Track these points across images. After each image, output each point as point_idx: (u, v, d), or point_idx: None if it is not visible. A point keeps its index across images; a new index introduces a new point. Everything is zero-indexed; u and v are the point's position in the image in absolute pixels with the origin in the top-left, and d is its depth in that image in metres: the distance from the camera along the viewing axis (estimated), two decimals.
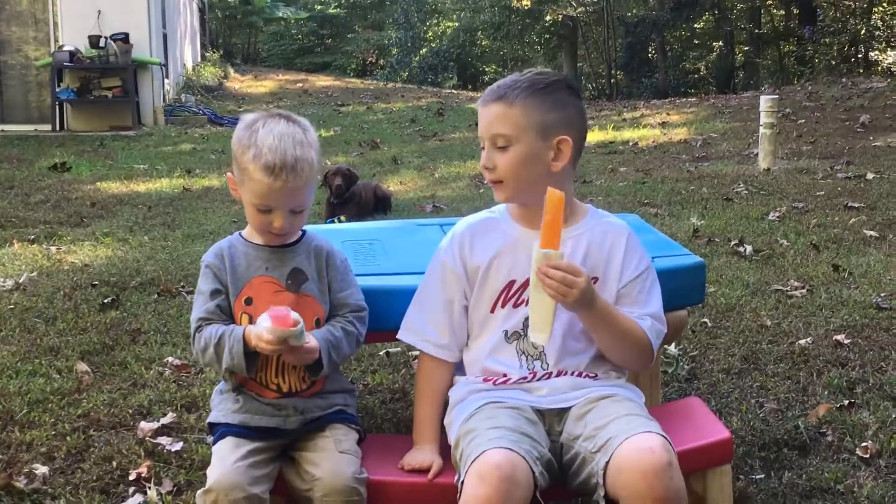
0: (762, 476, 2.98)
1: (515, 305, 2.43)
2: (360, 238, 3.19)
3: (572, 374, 2.40)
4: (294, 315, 2.23)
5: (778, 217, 6.75)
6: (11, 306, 4.80)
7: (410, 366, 4.00)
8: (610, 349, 2.41)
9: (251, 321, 2.37)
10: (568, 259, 2.30)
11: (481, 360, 2.45)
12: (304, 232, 2.52)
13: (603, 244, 2.44)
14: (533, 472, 2.07)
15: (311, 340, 2.32)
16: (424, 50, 33.36)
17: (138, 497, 2.87)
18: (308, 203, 2.41)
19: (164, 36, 16.12)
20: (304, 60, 35.39)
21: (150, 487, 2.87)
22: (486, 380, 2.42)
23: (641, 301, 2.43)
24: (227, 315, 2.40)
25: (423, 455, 2.37)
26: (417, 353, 2.61)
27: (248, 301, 2.40)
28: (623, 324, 2.37)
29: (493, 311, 2.45)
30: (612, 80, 28.55)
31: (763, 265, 5.42)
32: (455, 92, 24.56)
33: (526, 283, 2.40)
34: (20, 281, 5.30)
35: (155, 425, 3.35)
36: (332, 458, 2.30)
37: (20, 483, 2.91)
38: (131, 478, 2.98)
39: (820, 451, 3.13)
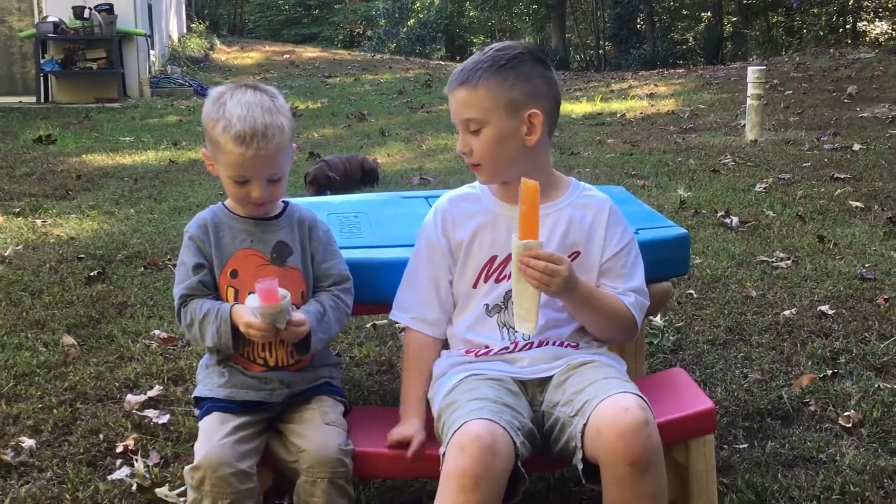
0: (745, 445, 3.00)
1: (497, 280, 2.43)
2: (346, 211, 3.18)
3: (554, 343, 2.42)
4: (281, 291, 2.23)
5: (764, 188, 6.76)
6: None
7: (397, 338, 4.01)
8: (592, 327, 2.43)
9: (237, 295, 2.38)
10: (549, 236, 2.31)
11: (462, 334, 2.46)
12: (286, 203, 2.52)
13: (584, 219, 2.44)
14: (514, 443, 2.08)
15: (299, 315, 2.32)
16: (412, 21, 33.17)
17: (125, 469, 2.87)
18: (285, 170, 2.40)
19: (149, 6, 15.98)
20: (290, 31, 35.15)
21: (136, 460, 2.88)
22: (468, 352, 2.43)
23: (625, 275, 2.44)
24: (210, 289, 2.40)
25: (406, 429, 2.37)
26: (403, 326, 2.61)
27: (234, 273, 2.40)
28: (605, 303, 2.38)
29: (475, 286, 2.46)
30: (600, 52, 28.49)
31: (749, 236, 5.44)
32: (443, 63, 24.44)
33: (507, 259, 2.41)
34: (6, 254, 5.28)
35: (142, 398, 3.35)
36: (318, 430, 2.31)
37: (7, 456, 2.91)
38: (118, 450, 2.99)
39: (803, 421, 3.16)
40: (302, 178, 7.28)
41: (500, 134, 2.33)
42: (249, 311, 2.26)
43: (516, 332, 2.39)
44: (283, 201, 2.52)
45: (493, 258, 2.45)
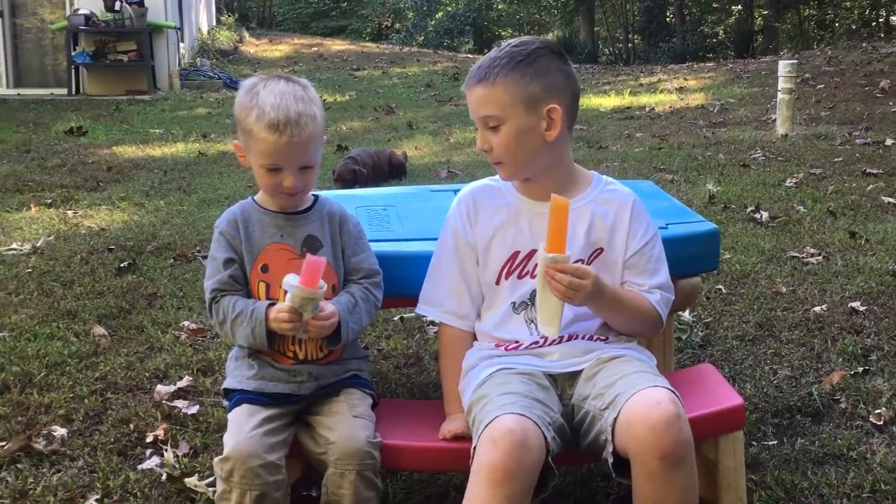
0: (775, 442, 2.98)
1: (520, 276, 2.43)
2: (374, 204, 3.19)
3: (583, 337, 2.41)
4: (321, 282, 2.24)
5: (795, 183, 6.71)
6: (29, 270, 4.83)
7: (425, 331, 4.01)
8: (617, 325, 2.44)
9: (268, 290, 2.39)
10: (572, 233, 2.31)
11: (490, 331, 2.46)
12: (316, 197, 2.53)
13: (607, 215, 2.44)
14: (545, 438, 2.08)
15: (329, 307, 2.33)
16: (440, 14, 33.12)
17: (155, 459, 2.90)
18: (317, 159, 2.41)
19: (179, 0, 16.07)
20: (319, 24, 35.18)
21: (166, 450, 2.91)
22: (497, 345, 2.43)
23: (650, 271, 2.43)
24: (241, 284, 2.41)
25: (458, 423, 2.39)
26: (432, 320, 2.61)
27: (265, 268, 2.41)
28: (630, 304, 2.39)
29: (497, 282, 2.45)
30: (629, 45, 28.35)
31: (779, 232, 5.40)
32: (471, 56, 24.38)
33: (529, 255, 2.41)
34: (38, 245, 5.33)
35: (171, 388, 3.38)
36: (346, 422, 2.32)
37: (39, 444, 2.95)
38: (148, 440, 3.02)
39: (833, 418, 3.14)
40: (330, 172, 7.30)
41: (519, 130, 2.33)
42: (274, 309, 2.28)
43: None
44: (312, 195, 2.53)
45: (516, 254, 2.44)
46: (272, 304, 2.32)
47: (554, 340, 2.39)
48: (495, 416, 2.09)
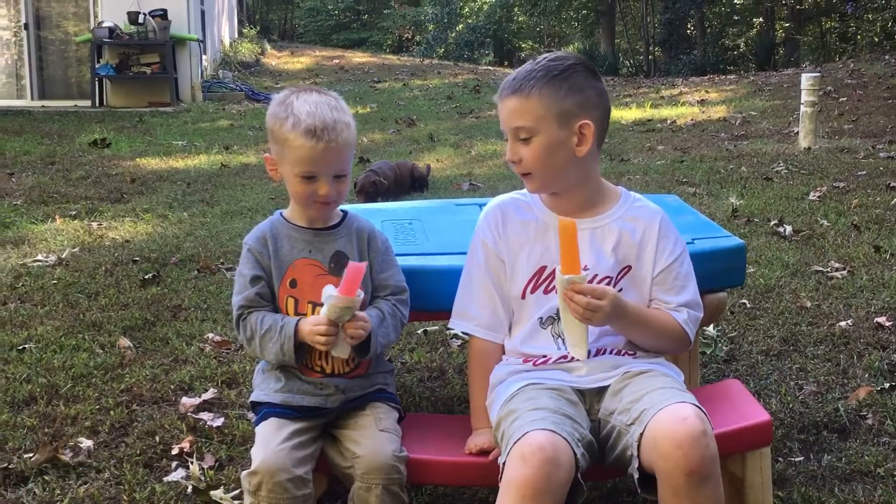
0: (801, 459, 2.96)
1: (546, 291, 2.43)
2: (400, 218, 3.20)
3: (611, 352, 2.41)
4: (358, 290, 2.26)
5: (818, 197, 6.68)
6: (55, 281, 4.87)
7: (448, 344, 4.01)
8: (644, 345, 2.43)
9: (296, 305, 2.40)
10: (599, 250, 2.31)
11: (518, 347, 2.46)
12: (345, 213, 2.54)
13: (635, 232, 2.43)
14: (575, 454, 2.08)
15: (362, 313, 2.34)
16: (461, 26, 33.21)
17: (181, 471, 2.91)
18: (349, 168, 2.43)
19: (202, 12, 16.19)
20: (340, 36, 35.33)
21: (192, 462, 2.92)
22: (525, 360, 2.43)
23: (677, 288, 2.42)
24: (268, 301, 2.42)
25: (483, 438, 2.39)
26: (454, 331, 2.61)
27: (293, 283, 2.42)
28: (656, 324, 2.38)
29: (523, 296, 2.45)
30: (649, 57, 28.32)
31: (803, 246, 5.38)
32: (491, 68, 24.45)
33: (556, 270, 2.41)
34: (63, 256, 5.37)
35: (196, 401, 3.39)
36: (372, 436, 2.32)
37: (66, 456, 2.96)
38: (174, 452, 3.03)
39: (860, 435, 3.11)
40: (353, 185, 7.33)
41: (550, 144, 2.33)
42: (310, 322, 2.29)
43: None
44: (341, 210, 2.54)
45: (542, 269, 2.44)
46: (300, 320, 2.33)
47: None
48: (525, 431, 2.08)
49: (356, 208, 2.93)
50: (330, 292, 2.26)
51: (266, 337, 2.35)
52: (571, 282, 2.21)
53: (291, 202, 2.50)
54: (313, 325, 2.28)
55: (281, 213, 2.52)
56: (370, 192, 7.14)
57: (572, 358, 2.39)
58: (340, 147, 2.35)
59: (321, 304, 2.31)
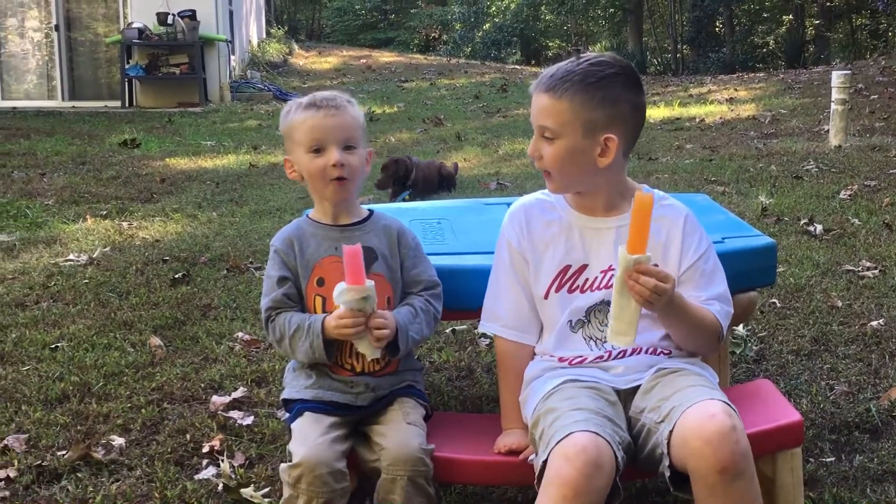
0: (832, 459, 2.94)
1: (570, 291, 2.42)
2: (428, 217, 3.20)
3: (647, 351, 2.40)
4: (368, 281, 2.27)
5: (849, 195, 6.62)
6: (86, 280, 4.92)
7: (477, 343, 4.02)
8: (684, 339, 2.40)
9: (324, 304, 2.42)
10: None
11: (549, 351, 2.45)
12: (371, 211, 2.56)
13: (660, 231, 2.41)
14: (616, 457, 2.07)
15: (386, 314, 2.35)
16: (488, 25, 33.20)
17: (211, 469, 2.93)
18: (359, 144, 2.46)
19: (230, 13, 16.28)
20: (367, 36, 35.45)
21: (222, 460, 2.93)
22: (561, 359, 2.42)
23: (703, 284, 2.40)
24: (295, 302, 2.45)
25: (513, 438, 2.40)
26: (489, 333, 2.61)
27: (321, 282, 2.43)
28: (696, 314, 2.35)
29: (546, 296, 2.44)
30: (678, 55, 28.15)
31: (834, 245, 5.33)
32: (518, 67, 24.42)
33: (580, 270, 2.41)
34: (94, 256, 5.42)
35: (226, 399, 3.41)
36: (399, 429, 2.35)
37: (98, 454, 2.99)
38: (204, 450, 3.05)
39: (892, 435, 3.08)
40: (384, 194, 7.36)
41: (571, 149, 2.32)
42: (334, 317, 2.31)
43: (604, 343, 2.37)
44: (367, 209, 2.56)
45: (566, 268, 2.44)
46: (326, 316, 2.35)
47: (618, 354, 2.38)
48: (570, 431, 2.08)
49: (385, 208, 2.94)
50: (340, 288, 2.27)
51: (295, 337, 2.37)
52: (638, 262, 2.16)
53: (315, 201, 2.53)
54: (337, 319, 2.30)
55: (307, 214, 2.55)
56: (392, 170, 7.20)
57: (608, 357, 2.38)
58: (343, 117, 2.42)
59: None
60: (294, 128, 2.44)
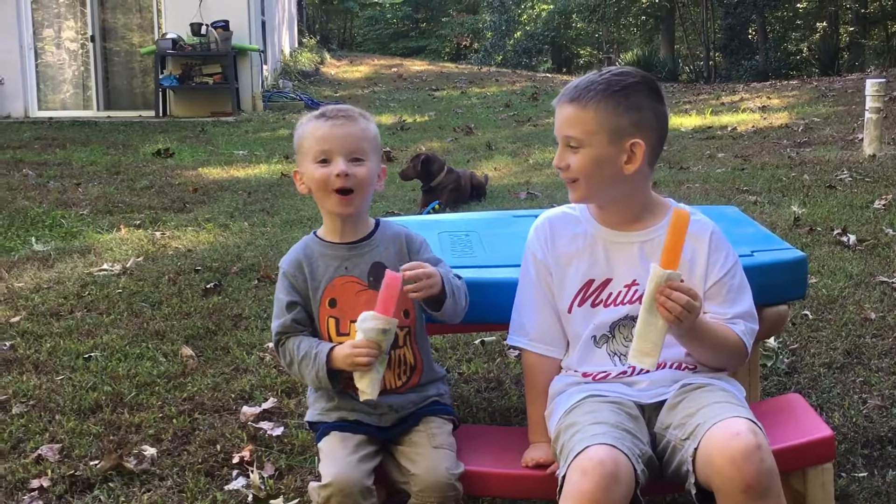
0: (865, 474, 2.91)
1: (594, 305, 2.42)
2: (456, 229, 3.21)
3: (671, 366, 2.39)
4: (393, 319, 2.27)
5: (884, 205, 6.54)
6: (119, 290, 4.97)
7: (506, 355, 4.02)
8: (701, 356, 2.39)
9: (338, 325, 2.42)
10: (647, 264, 2.29)
11: (574, 366, 2.45)
12: (377, 223, 2.54)
13: (686, 245, 2.40)
14: (635, 470, 2.07)
15: (427, 267, 2.34)
16: (519, 33, 33.23)
17: (241, 480, 2.95)
18: (369, 157, 2.43)
19: (263, 23, 16.40)
20: (398, 45, 35.60)
21: (252, 471, 2.96)
22: (585, 374, 2.43)
23: (730, 301, 2.40)
24: (305, 325, 2.45)
25: (540, 451, 2.40)
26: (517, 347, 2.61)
27: (332, 303, 2.43)
28: (718, 334, 2.34)
29: (570, 310, 2.45)
30: (710, 63, 28.01)
31: (867, 256, 5.28)
32: (549, 76, 24.41)
33: (604, 284, 2.41)
34: (127, 265, 5.48)
35: (257, 410, 3.44)
36: (426, 454, 2.33)
37: (130, 463, 3.03)
38: (234, 461, 3.07)
39: None
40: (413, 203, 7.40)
41: (597, 157, 2.32)
42: (349, 346, 2.29)
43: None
44: (374, 220, 2.55)
45: (590, 282, 2.44)
46: (335, 346, 2.34)
47: (641, 370, 2.37)
48: (586, 445, 2.08)
49: (410, 220, 2.95)
50: (365, 318, 2.26)
51: (303, 363, 2.38)
52: (670, 278, 2.16)
53: (323, 217, 2.51)
54: (353, 347, 2.27)
55: (315, 233, 2.54)
56: (419, 163, 7.29)
57: (632, 372, 2.38)
58: (351, 128, 2.40)
59: None
60: (304, 138, 2.44)
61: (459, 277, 2.50)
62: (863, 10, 26.27)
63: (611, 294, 2.42)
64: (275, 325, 2.45)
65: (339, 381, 2.38)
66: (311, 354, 2.36)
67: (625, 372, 2.39)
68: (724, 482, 2.04)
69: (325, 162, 2.39)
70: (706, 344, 2.34)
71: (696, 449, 2.11)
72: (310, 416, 2.50)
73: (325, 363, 2.33)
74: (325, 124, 2.40)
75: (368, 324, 2.25)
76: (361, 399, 2.31)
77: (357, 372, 2.29)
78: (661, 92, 2.41)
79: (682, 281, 2.20)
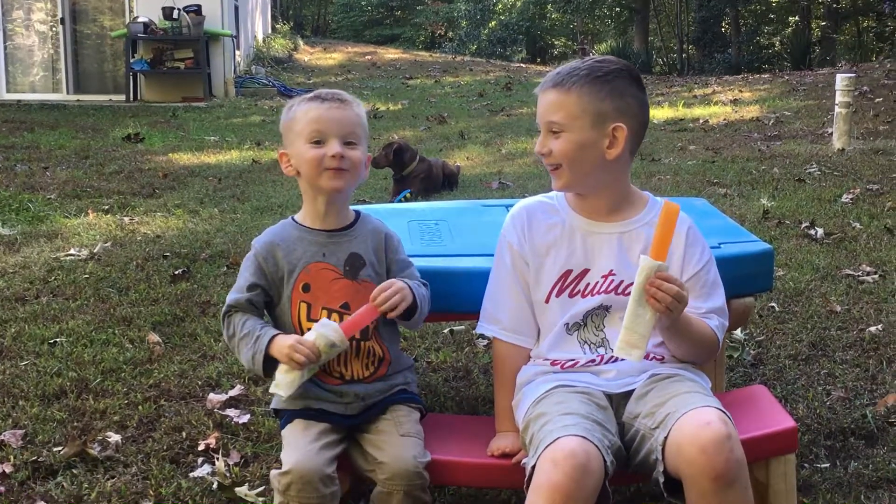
0: (827, 465, 2.94)
1: (571, 295, 2.43)
2: (426, 218, 3.20)
3: None
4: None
5: (851, 199, 6.61)
6: (87, 276, 4.92)
7: (474, 344, 4.02)
8: (684, 353, 2.41)
9: (309, 311, 2.41)
10: (625, 255, 2.29)
11: (543, 353, 2.46)
12: (358, 214, 2.54)
13: None
14: (605, 461, 2.08)
15: (394, 282, 2.39)
16: (493, 23, 33.18)
17: (207, 467, 2.93)
18: (360, 142, 2.45)
19: (236, 7, 16.29)
20: (372, 32, 35.45)
21: (218, 458, 2.94)
22: (553, 363, 2.43)
23: (704, 295, 2.42)
24: (259, 309, 2.44)
25: (506, 441, 2.41)
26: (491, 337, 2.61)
27: (306, 288, 2.42)
28: (699, 328, 2.37)
29: (547, 300, 2.45)
30: (683, 55, 28.14)
31: (834, 249, 5.33)
32: (523, 66, 24.41)
33: (582, 274, 2.41)
34: (95, 251, 5.42)
35: (223, 397, 3.42)
36: (394, 442, 2.33)
37: (94, 450, 3.00)
38: (200, 448, 3.06)
39: (888, 442, 3.09)
40: (384, 192, 7.38)
41: (581, 142, 2.33)
42: (294, 339, 2.30)
43: (598, 347, 2.39)
44: (354, 210, 2.55)
45: (568, 273, 2.44)
46: (277, 335, 2.34)
47: (610, 358, 2.38)
48: (557, 437, 2.09)
49: (384, 209, 2.95)
50: (327, 324, 2.30)
51: (244, 341, 2.37)
52: (660, 269, 2.17)
53: (305, 201, 2.50)
54: (298, 344, 2.28)
55: (293, 218, 2.52)
56: (391, 151, 7.28)
57: (600, 360, 2.39)
58: (346, 111, 2.42)
59: (336, 311, 2.35)
60: (296, 119, 2.43)
61: (425, 284, 2.52)
62: (834, 5, 26.44)
63: (588, 284, 2.42)
64: (230, 296, 2.44)
65: (271, 372, 2.35)
66: (253, 335, 2.35)
67: (593, 360, 2.40)
68: (694, 471, 2.05)
69: (318, 143, 2.40)
70: (686, 337, 2.36)
71: (665, 438, 2.13)
72: (275, 403, 2.49)
73: (264, 348, 2.32)
74: (320, 106, 2.41)
75: (326, 331, 2.28)
76: (272, 390, 2.33)
77: (286, 366, 2.29)
78: (641, 81, 2.43)
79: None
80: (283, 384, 2.30)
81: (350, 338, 2.33)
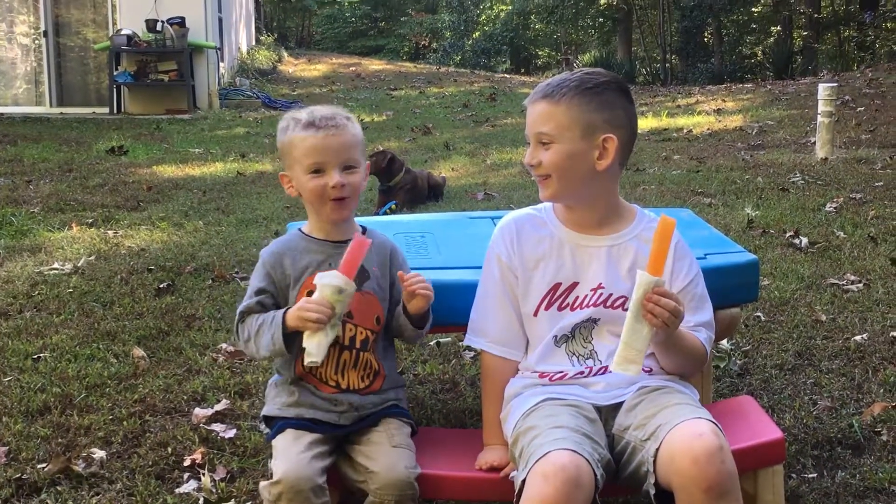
0: (815, 475, 2.95)
1: (560, 309, 2.43)
2: (412, 230, 3.20)
3: None
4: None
5: (835, 208, 6.64)
6: (70, 290, 4.89)
7: (461, 356, 4.01)
8: (675, 366, 2.41)
9: None
10: (614, 269, 2.28)
11: (532, 366, 2.45)
12: (364, 228, 2.56)
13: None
14: (595, 475, 2.08)
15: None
16: (477, 33, 33.27)
17: (193, 483, 2.91)
18: (359, 163, 2.45)
19: (220, 20, 16.25)
20: (357, 44, 35.46)
21: (203, 474, 2.92)
22: (542, 375, 2.43)
23: (692, 309, 2.42)
24: (267, 309, 2.43)
25: (495, 454, 2.40)
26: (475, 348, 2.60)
27: (312, 295, 2.42)
28: (689, 342, 2.37)
29: (535, 314, 2.45)
30: (666, 65, 28.22)
31: (819, 258, 5.35)
32: (508, 76, 24.47)
33: (571, 287, 2.41)
34: (79, 265, 5.39)
35: (209, 412, 3.40)
36: (386, 453, 2.33)
37: (79, 467, 2.97)
38: (186, 464, 3.03)
39: (875, 451, 3.09)
40: (370, 203, 7.36)
41: (570, 152, 2.33)
42: (302, 300, 2.30)
43: (586, 359, 2.39)
44: (360, 225, 2.57)
45: (557, 286, 2.44)
46: (287, 309, 2.34)
47: (599, 370, 2.38)
48: (547, 451, 2.08)
49: (370, 221, 2.93)
50: (325, 273, 2.28)
51: (259, 332, 2.37)
52: (657, 284, 2.18)
53: (309, 216, 2.52)
54: (304, 303, 2.27)
55: (300, 229, 2.54)
56: (382, 159, 7.24)
57: (589, 373, 2.39)
58: (343, 137, 2.41)
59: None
60: (293, 146, 2.42)
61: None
62: (816, 15, 26.59)
63: (577, 298, 2.42)
64: (240, 306, 2.45)
65: (294, 348, 2.34)
66: (267, 320, 2.36)
67: (582, 372, 2.40)
68: (686, 482, 2.05)
69: (318, 173, 2.40)
70: (678, 351, 2.36)
71: (657, 449, 2.12)
72: (268, 410, 2.48)
73: (281, 323, 2.32)
74: (317, 135, 2.39)
75: (326, 279, 2.26)
76: (306, 361, 2.29)
77: (307, 331, 2.28)
78: (630, 93, 2.44)
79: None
80: (312, 349, 2.27)
81: (351, 329, 2.35)
